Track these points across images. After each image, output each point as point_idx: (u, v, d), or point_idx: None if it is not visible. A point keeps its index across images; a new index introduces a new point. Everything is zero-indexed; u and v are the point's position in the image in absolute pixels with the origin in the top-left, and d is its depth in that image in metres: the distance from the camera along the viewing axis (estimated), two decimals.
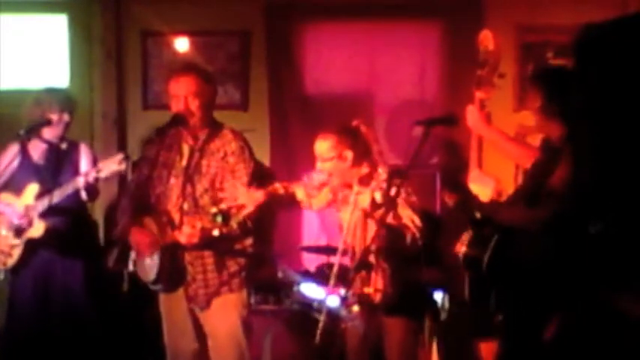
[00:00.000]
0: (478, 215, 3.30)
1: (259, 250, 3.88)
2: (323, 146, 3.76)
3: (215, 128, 3.81)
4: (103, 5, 5.79)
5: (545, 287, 3.15)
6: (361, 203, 3.70)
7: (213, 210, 3.42)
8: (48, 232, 4.32)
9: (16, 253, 4.36)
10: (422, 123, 3.75)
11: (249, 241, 3.77)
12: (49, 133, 4.47)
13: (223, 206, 3.45)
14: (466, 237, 3.32)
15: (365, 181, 3.74)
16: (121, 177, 4.26)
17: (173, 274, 3.74)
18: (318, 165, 3.80)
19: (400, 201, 3.57)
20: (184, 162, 3.79)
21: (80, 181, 4.13)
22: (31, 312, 4.42)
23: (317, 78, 5.83)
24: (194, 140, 3.79)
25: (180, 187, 3.74)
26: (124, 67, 5.85)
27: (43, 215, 4.31)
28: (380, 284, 3.66)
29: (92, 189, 4.28)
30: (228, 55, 5.79)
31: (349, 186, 3.79)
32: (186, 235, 3.53)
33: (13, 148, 4.49)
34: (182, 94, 3.72)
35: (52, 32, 5.87)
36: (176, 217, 3.73)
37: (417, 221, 3.55)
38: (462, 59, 5.29)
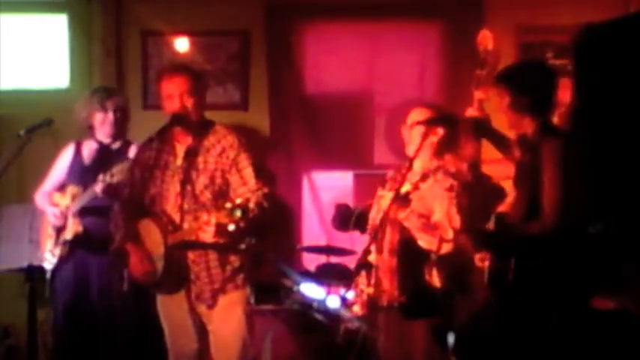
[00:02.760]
0: (490, 227, 3.28)
1: (259, 249, 3.87)
2: (421, 113, 3.78)
3: (207, 125, 3.83)
4: (103, 5, 5.79)
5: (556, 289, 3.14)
6: (382, 206, 3.69)
7: (228, 205, 3.36)
8: (78, 234, 4.34)
9: (57, 253, 4.41)
10: (422, 123, 3.76)
11: (249, 239, 3.78)
12: (99, 133, 4.51)
13: (239, 200, 3.40)
14: (489, 255, 3.29)
15: (425, 175, 3.70)
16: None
17: (177, 275, 3.74)
18: (404, 130, 3.81)
19: (443, 196, 3.54)
20: (179, 161, 3.79)
21: (98, 187, 4.14)
22: (71, 313, 4.43)
23: (317, 78, 5.82)
24: (187, 139, 3.79)
25: (178, 187, 3.74)
26: (124, 67, 5.85)
27: (81, 217, 4.33)
28: (386, 287, 3.65)
29: (115, 193, 4.26)
30: (228, 55, 5.79)
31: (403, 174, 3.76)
32: (211, 234, 3.50)
33: (69, 149, 4.54)
34: (177, 93, 3.73)
35: (52, 32, 5.88)
36: (176, 217, 3.73)
37: (455, 221, 3.51)
38: (462, 59, 5.29)
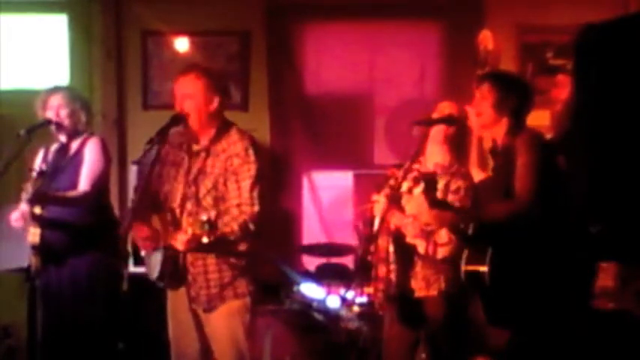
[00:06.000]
0: (469, 230, 3.27)
1: (259, 250, 3.86)
2: (449, 107, 3.74)
3: (222, 128, 3.78)
4: (103, 5, 5.80)
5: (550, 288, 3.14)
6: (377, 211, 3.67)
7: (203, 217, 3.43)
8: (34, 245, 4.23)
9: (32, 260, 4.33)
10: (422, 123, 3.75)
11: (249, 244, 3.77)
12: (55, 132, 4.43)
13: (212, 214, 3.47)
14: (464, 254, 3.30)
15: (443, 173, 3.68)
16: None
17: (175, 273, 3.74)
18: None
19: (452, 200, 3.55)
20: (190, 162, 3.79)
21: (24, 203, 4.09)
22: (44, 317, 4.40)
23: (317, 78, 5.83)
24: (200, 140, 3.78)
25: (184, 187, 3.75)
26: (124, 67, 5.86)
27: (42, 228, 4.24)
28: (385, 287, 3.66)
29: (58, 203, 4.21)
30: (228, 55, 5.80)
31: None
32: (182, 242, 3.52)
33: (39, 154, 4.49)
34: (180, 94, 3.73)
35: (52, 32, 5.88)
36: (179, 216, 3.74)
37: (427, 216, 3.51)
38: (462, 59, 5.30)
